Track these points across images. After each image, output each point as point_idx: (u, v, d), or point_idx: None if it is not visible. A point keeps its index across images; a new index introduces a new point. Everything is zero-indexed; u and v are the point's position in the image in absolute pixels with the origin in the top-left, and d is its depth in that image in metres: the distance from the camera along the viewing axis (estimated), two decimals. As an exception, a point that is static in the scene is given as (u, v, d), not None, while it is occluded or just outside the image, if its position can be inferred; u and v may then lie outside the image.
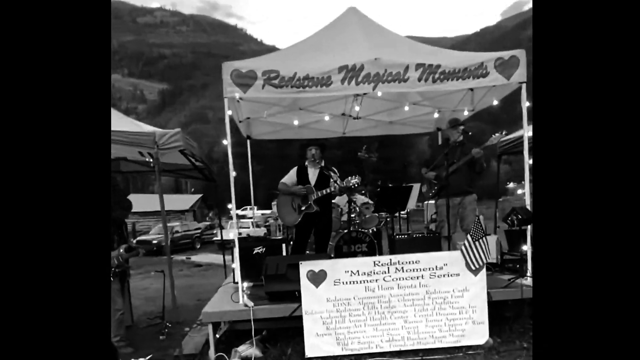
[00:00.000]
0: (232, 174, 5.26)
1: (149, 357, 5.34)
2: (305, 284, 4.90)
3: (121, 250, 5.60)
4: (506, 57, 5.44)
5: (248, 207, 56.74)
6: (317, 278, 4.91)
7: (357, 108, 7.15)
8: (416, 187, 5.74)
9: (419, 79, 5.34)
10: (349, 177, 5.76)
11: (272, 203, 8.52)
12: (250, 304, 5.00)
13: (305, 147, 6.21)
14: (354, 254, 6.67)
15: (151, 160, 4.27)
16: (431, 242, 6.19)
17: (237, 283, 6.11)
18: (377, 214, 7.07)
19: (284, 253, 6.11)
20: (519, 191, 6.84)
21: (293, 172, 6.20)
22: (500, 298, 5.20)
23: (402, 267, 4.95)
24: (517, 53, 5.48)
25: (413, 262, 4.96)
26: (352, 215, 7.07)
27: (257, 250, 6.15)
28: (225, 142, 5.18)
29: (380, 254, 6.81)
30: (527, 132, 5.46)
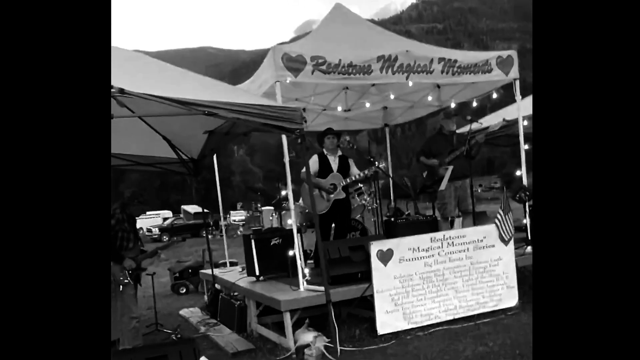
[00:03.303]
0: (287, 159, 5.13)
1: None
2: (375, 264, 5.02)
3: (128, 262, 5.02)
4: (504, 56, 6.25)
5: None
6: (386, 257, 5.06)
7: (347, 102, 7.37)
8: (450, 169, 6.20)
9: (442, 72, 5.84)
10: (376, 163, 6.00)
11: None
12: (320, 288, 4.93)
13: (323, 136, 6.25)
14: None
15: (297, 137, 3.98)
16: (429, 225, 6.68)
17: (257, 276, 5.91)
18: (363, 203, 7.37)
19: (298, 243, 6.05)
20: (517, 172, 7.80)
21: (314, 160, 6.16)
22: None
23: (453, 242, 5.37)
24: (511, 53, 6.34)
25: (461, 237, 5.42)
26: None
27: (274, 241, 5.99)
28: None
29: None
30: (521, 121, 6.34)
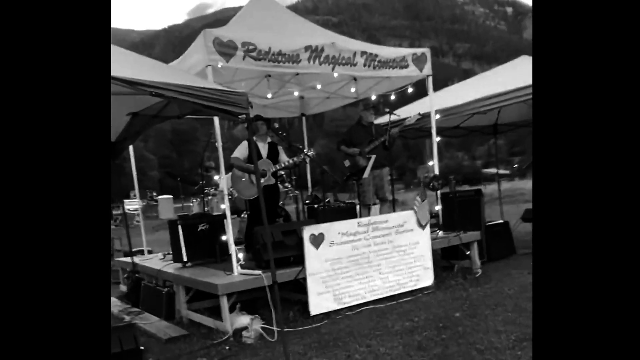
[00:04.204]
0: (219, 143, 5.17)
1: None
2: (308, 248, 5.21)
3: None
4: (419, 54, 6.68)
5: None
6: (317, 241, 5.28)
7: (270, 91, 7.45)
8: (372, 158, 6.48)
9: (364, 65, 6.14)
10: (305, 150, 6.17)
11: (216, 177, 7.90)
12: (257, 272, 5.04)
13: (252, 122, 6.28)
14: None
15: (242, 121, 3.96)
16: (348, 211, 7.00)
17: (184, 262, 5.88)
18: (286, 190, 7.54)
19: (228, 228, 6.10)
20: (430, 163, 8.29)
21: (244, 146, 6.19)
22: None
23: (377, 227, 5.71)
24: (425, 51, 6.79)
25: (384, 222, 5.78)
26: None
27: (201, 227, 5.99)
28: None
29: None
30: (434, 115, 6.83)
